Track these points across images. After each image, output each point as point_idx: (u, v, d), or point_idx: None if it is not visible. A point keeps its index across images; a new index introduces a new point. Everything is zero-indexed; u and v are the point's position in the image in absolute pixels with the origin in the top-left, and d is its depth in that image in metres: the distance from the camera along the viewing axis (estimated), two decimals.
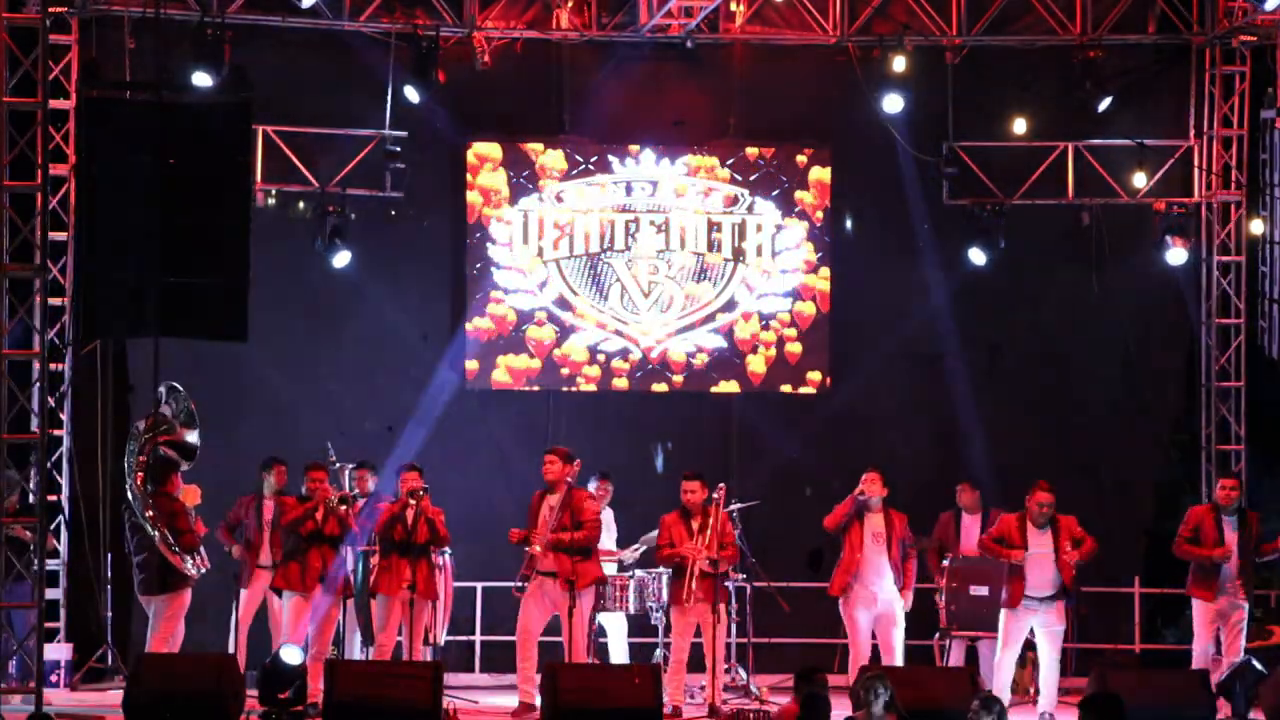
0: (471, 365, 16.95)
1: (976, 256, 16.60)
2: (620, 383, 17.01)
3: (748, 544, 14.96)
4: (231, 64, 15.09)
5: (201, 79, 14.82)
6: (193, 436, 14.08)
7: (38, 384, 13.22)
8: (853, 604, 13.90)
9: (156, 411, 13.87)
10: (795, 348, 17.06)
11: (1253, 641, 15.02)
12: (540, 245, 17.03)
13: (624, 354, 17.02)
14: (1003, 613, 13.74)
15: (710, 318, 17.07)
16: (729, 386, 17.06)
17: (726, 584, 14.42)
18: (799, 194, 17.11)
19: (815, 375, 17.06)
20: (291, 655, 12.93)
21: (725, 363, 17.05)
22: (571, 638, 13.52)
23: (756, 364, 17.05)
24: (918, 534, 14.57)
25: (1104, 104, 16.30)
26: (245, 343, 13.50)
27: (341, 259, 16.38)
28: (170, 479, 14.03)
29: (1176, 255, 16.55)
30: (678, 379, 17.04)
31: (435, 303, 16.96)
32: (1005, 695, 13.08)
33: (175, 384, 14.13)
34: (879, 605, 13.89)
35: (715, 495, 13.92)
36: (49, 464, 13.72)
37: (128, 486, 13.93)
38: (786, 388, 17.05)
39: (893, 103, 16.33)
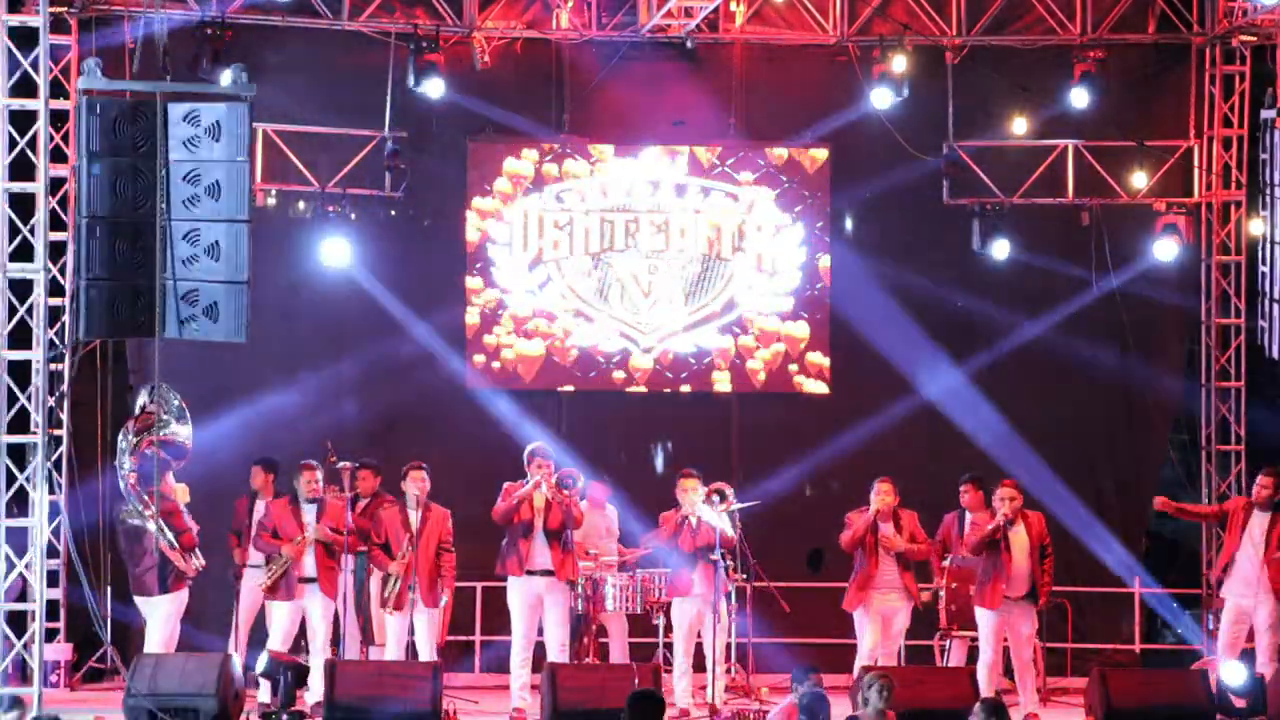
0: (471, 365, 16.94)
1: (1000, 250, 16.56)
2: (620, 383, 17.00)
3: (748, 544, 14.97)
4: (231, 63, 15.07)
5: (203, 78, 14.84)
6: (184, 435, 14.05)
7: (38, 384, 13.22)
8: (870, 613, 13.97)
9: (145, 411, 13.85)
10: (795, 347, 17.05)
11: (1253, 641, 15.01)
12: (540, 245, 17.03)
13: (624, 354, 17.02)
14: (982, 613, 13.82)
15: (710, 317, 17.06)
16: (729, 386, 17.05)
17: (728, 583, 14.45)
18: (799, 194, 17.10)
19: (815, 375, 17.05)
20: (260, 664, 12.88)
21: (725, 362, 17.04)
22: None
23: (757, 364, 17.04)
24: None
25: (1078, 95, 16.27)
26: (245, 342, 13.48)
27: (337, 252, 16.31)
28: (162, 479, 14.00)
29: (1166, 249, 16.51)
30: (678, 379, 17.02)
31: (435, 302, 16.94)
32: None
33: (162, 383, 14.10)
34: (889, 609, 13.98)
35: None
36: (49, 464, 13.70)
37: (122, 487, 13.91)
38: (787, 387, 17.04)
39: (882, 97, 16.30)
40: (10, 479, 13.22)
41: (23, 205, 13.31)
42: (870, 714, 10.52)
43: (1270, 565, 13.71)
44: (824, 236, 17.10)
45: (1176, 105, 16.95)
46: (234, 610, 14.57)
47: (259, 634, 14.52)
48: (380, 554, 13.95)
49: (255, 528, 14.25)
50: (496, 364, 16.93)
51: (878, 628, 13.99)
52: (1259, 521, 13.91)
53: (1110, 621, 16.62)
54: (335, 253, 16.36)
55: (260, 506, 14.60)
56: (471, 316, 16.93)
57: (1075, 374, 16.93)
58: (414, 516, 13.98)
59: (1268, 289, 14.72)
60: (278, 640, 13.84)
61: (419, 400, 16.80)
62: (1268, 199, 14.59)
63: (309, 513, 13.92)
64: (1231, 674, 12.89)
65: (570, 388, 17.00)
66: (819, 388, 17.07)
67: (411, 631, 13.98)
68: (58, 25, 14.84)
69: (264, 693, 13.58)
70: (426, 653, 13.87)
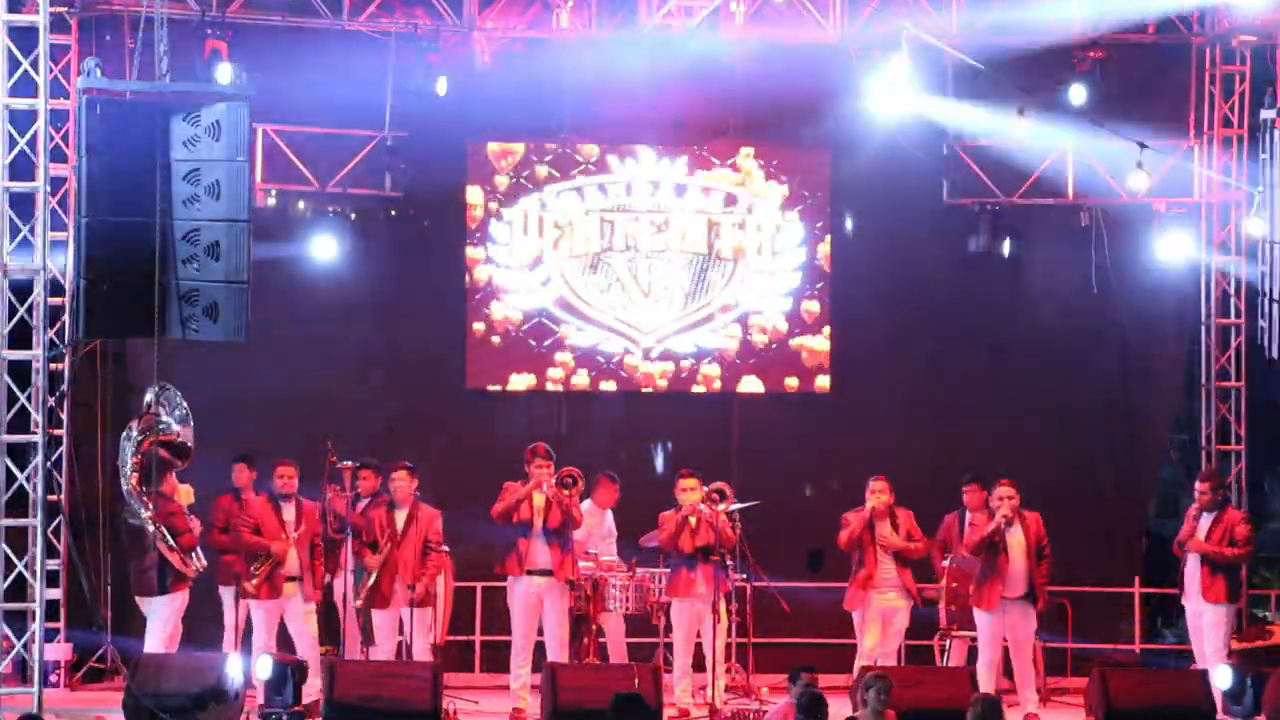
0: (471, 365, 16.94)
1: (1000, 250, 16.59)
2: (620, 383, 17.00)
3: (747, 544, 14.97)
4: (231, 63, 15.07)
5: (202, 78, 14.85)
6: (187, 436, 14.05)
7: (38, 384, 13.22)
8: (869, 614, 13.99)
9: (149, 411, 13.86)
10: (795, 347, 17.05)
11: (1253, 641, 15.04)
12: (540, 245, 17.03)
13: (624, 354, 17.01)
14: (980, 614, 13.83)
15: (710, 317, 17.06)
16: (729, 386, 17.04)
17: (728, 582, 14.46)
18: (799, 193, 17.10)
19: (815, 375, 17.05)
20: (263, 668, 12.86)
21: (725, 362, 17.04)
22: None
23: (756, 363, 17.04)
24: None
25: (1078, 95, 16.28)
26: (245, 342, 13.48)
27: (335, 251, 16.33)
28: (165, 479, 14.01)
29: (1168, 248, 16.51)
30: (678, 379, 17.02)
31: (435, 302, 16.96)
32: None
33: (166, 384, 14.11)
34: (889, 608, 14.00)
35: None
36: (49, 464, 13.70)
37: (124, 488, 13.92)
38: (787, 387, 17.04)
39: (892, 93, 16.26)
40: (10, 479, 13.22)
41: (23, 205, 13.30)
42: (869, 714, 10.53)
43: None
44: (824, 236, 17.09)
45: (1176, 105, 16.94)
46: (233, 610, 14.54)
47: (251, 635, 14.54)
48: (366, 552, 13.99)
49: (234, 525, 14.26)
50: (496, 364, 16.90)
51: (878, 628, 14.02)
52: (1205, 524, 14.01)
53: (1110, 621, 16.62)
54: (333, 252, 16.39)
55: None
56: (471, 317, 16.89)
57: (1075, 374, 16.93)
58: (399, 516, 14.01)
59: (1268, 289, 14.74)
60: (261, 641, 13.86)
61: (419, 400, 16.81)
62: (1268, 199, 14.61)
63: (288, 510, 13.99)
64: (1221, 678, 12.90)
65: (570, 387, 16.99)
66: (819, 387, 17.06)
67: (401, 630, 14.02)
68: (58, 25, 14.83)
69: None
70: (418, 651, 13.91)
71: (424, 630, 13.96)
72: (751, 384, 17.04)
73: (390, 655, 13.97)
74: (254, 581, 13.90)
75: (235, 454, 15.02)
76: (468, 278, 16.96)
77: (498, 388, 16.96)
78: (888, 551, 14.04)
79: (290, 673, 12.86)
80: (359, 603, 13.97)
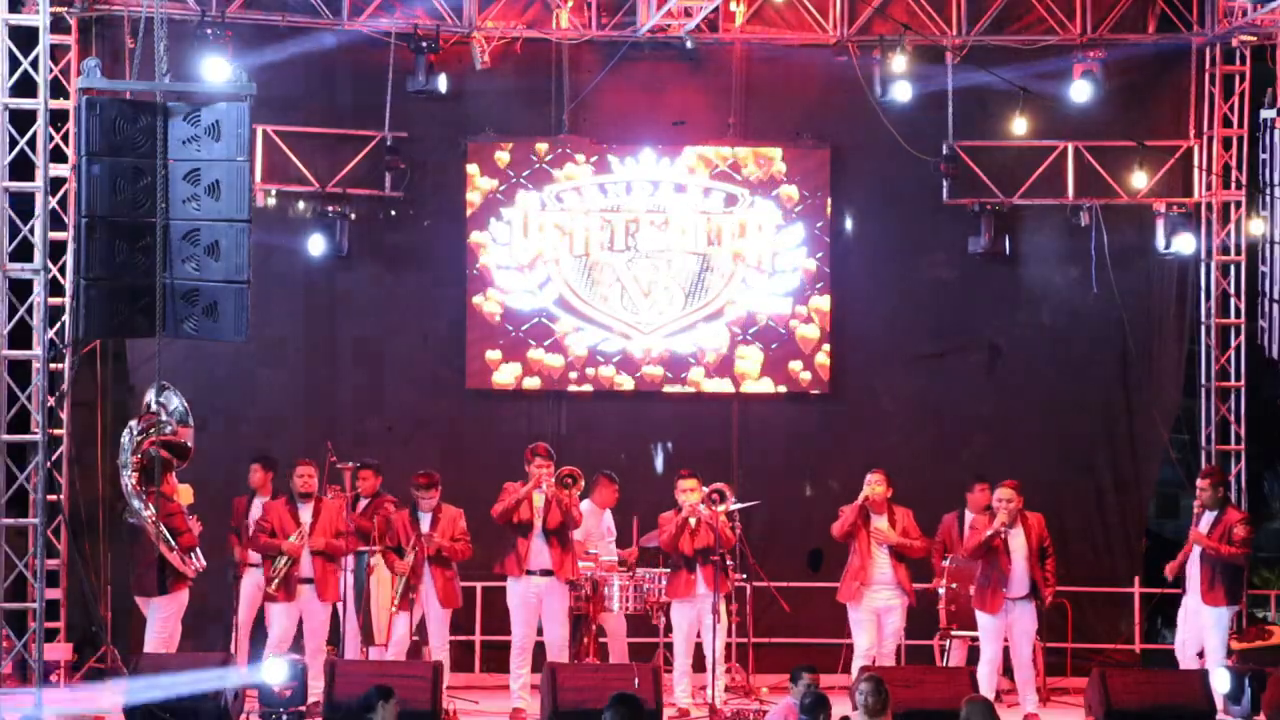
0: (471, 365, 16.94)
1: (1000, 250, 16.62)
2: (620, 382, 17.00)
3: (747, 544, 14.98)
4: (231, 63, 15.08)
5: (202, 78, 14.85)
6: (187, 436, 14.06)
7: (38, 384, 13.24)
8: (861, 612, 13.99)
9: (150, 411, 13.87)
10: (795, 347, 17.04)
11: (1253, 641, 15.04)
12: (540, 245, 17.03)
13: (623, 354, 17.01)
14: (982, 616, 13.83)
15: (710, 317, 17.05)
16: (729, 386, 17.04)
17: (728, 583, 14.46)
18: (799, 193, 17.10)
19: (815, 374, 17.04)
20: (274, 674, 12.83)
21: (725, 362, 17.04)
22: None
23: (756, 363, 17.03)
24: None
25: (1078, 95, 16.29)
26: (245, 342, 13.50)
27: (335, 251, 16.37)
28: (164, 479, 14.02)
29: (1185, 243, 16.53)
30: (678, 379, 17.02)
31: (435, 303, 16.96)
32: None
33: (167, 383, 14.13)
34: (883, 606, 13.98)
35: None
36: (49, 464, 13.71)
37: (124, 487, 13.93)
38: (787, 387, 17.04)
39: (901, 90, 16.25)
40: (10, 479, 13.24)
41: (23, 205, 13.33)
42: (865, 715, 10.53)
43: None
44: (824, 236, 17.09)
45: (1176, 105, 16.95)
46: (234, 610, 14.55)
47: (258, 634, 14.53)
48: (393, 556, 14.01)
49: (253, 527, 14.28)
50: (496, 364, 16.90)
51: (872, 627, 14.01)
52: (1206, 522, 14.01)
53: (1110, 621, 16.63)
54: (333, 252, 16.40)
55: (257, 505, 14.62)
56: (471, 317, 16.87)
57: (1075, 373, 16.93)
58: (424, 519, 14.05)
59: (1268, 289, 14.75)
60: (275, 641, 13.87)
61: (418, 400, 16.81)
62: (1268, 199, 14.63)
63: (305, 511, 13.99)
64: (1220, 679, 12.92)
65: (570, 387, 16.99)
66: (819, 387, 17.06)
67: (416, 632, 14.04)
68: (58, 25, 14.85)
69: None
70: (438, 653, 13.94)
71: (444, 631, 14.03)
72: (751, 383, 17.03)
73: (404, 655, 13.99)
74: (274, 584, 13.91)
75: (235, 454, 15.07)
76: (467, 278, 16.94)
77: (497, 388, 16.90)
78: (882, 546, 14.02)
79: (299, 674, 12.90)
80: (394, 608, 13.99)
